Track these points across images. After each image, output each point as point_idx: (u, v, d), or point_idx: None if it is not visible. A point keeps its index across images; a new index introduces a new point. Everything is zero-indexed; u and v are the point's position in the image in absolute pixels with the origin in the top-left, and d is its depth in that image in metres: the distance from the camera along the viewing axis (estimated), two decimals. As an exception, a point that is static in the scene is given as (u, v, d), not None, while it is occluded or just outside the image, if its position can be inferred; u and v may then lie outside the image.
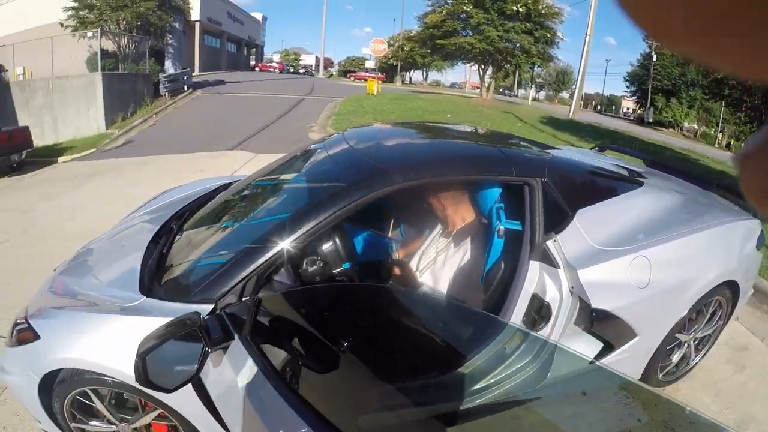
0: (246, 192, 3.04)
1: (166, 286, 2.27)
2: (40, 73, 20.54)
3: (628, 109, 64.05)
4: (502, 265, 2.47)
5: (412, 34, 39.35)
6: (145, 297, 2.16)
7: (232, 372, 1.70)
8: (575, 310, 2.35)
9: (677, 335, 2.86)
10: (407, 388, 2.09)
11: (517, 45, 26.54)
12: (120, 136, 16.63)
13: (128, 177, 9.79)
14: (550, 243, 2.36)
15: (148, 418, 2.25)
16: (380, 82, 30.52)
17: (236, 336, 1.72)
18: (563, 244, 2.36)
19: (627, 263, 2.43)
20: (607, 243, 2.47)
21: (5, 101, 19.19)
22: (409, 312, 2.40)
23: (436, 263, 2.71)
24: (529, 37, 26.11)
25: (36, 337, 2.19)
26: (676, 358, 3.03)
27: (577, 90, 25.48)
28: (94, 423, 2.33)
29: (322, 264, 2.48)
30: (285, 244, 2.04)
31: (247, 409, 1.63)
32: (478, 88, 28.62)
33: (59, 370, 2.19)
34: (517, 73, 42.64)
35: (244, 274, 2.01)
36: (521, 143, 3.28)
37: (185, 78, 23.82)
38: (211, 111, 19.48)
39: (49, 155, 14.79)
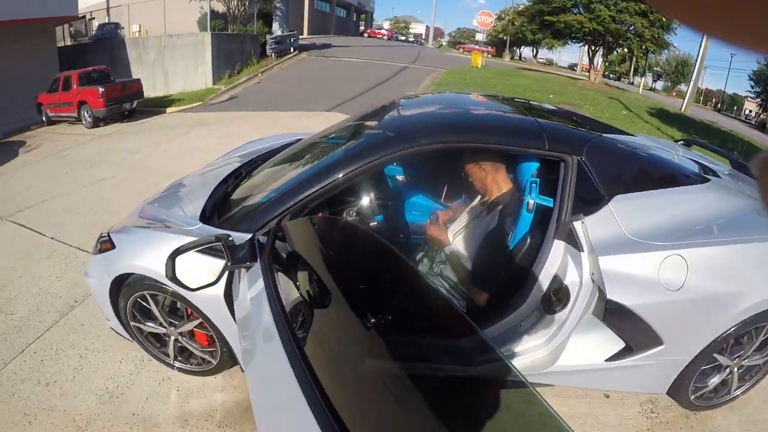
0: (306, 146, 3.28)
1: (221, 217, 2.65)
2: (154, 32, 21.87)
3: (750, 111, 56.98)
4: (528, 240, 2.47)
5: (521, 9, 37.23)
6: (202, 224, 2.57)
7: (248, 293, 1.88)
8: (594, 298, 2.26)
9: (716, 356, 2.50)
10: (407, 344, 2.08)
11: (630, 27, 23.90)
12: (225, 92, 17.45)
13: (228, 129, 10.36)
14: (577, 224, 2.28)
15: (190, 325, 2.73)
16: (488, 55, 29.45)
17: (258, 260, 1.92)
18: (592, 227, 2.27)
19: (659, 260, 2.21)
20: (641, 234, 2.27)
21: (121, 56, 20.62)
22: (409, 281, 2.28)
23: (468, 228, 2.76)
24: (643, 19, 23.09)
25: (113, 246, 2.73)
26: (713, 382, 2.62)
27: (692, 83, 22.54)
28: (149, 324, 2.83)
29: (356, 215, 2.86)
30: (314, 190, 2.33)
31: (248, 332, 1.83)
32: (589, 70, 26.62)
33: (128, 275, 2.69)
34: (633, 59, 39.85)
35: (279, 211, 2.34)
36: (576, 121, 3.18)
37: (291, 40, 24.25)
38: (314, 73, 19.79)
39: (158, 106, 16.03)
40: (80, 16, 23.05)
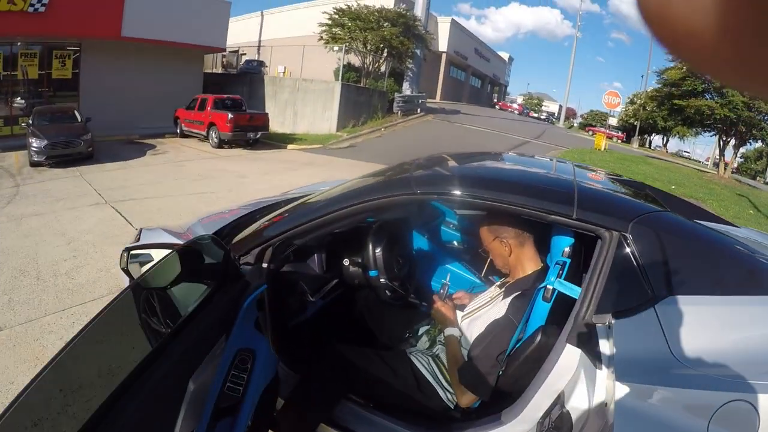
0: (334, 187, 3.15)
1: (226, 237, 2.50)
2: (293, 74, 23.44)
3: None
4: (538, 339, 1.83)
5: (651, 93, 35.07)
6: (210, 236, 2.42)
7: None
8: None
9: None
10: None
11: (766, 117, 21.54)
12: (346, 140, 18.34)
13: (333, 173, 10.91)
14: (601, 328, 1.60)
15: None
16: (618, 141, 28.02)
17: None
18: (622, 335, 1.55)
19: (715, 404, 1.40)
20: (696, 360, 1.51)
21: (258, 90, 22.29)
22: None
23: (479, 312, 2.20)
24: (782, 108, 20.61)
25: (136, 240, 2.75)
26: None
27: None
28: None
29: (357, 263, 2.59)
30: (298, 224, 2.12)
31: None
32: (727, 164, 24.22)
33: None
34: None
35: (262, 240, 2.15)
36: (646, 194, 2.44)
37: (419, 101, 25.19)
38: (434, 135, 20.34)
39: (282, 141, 17.22)
40: (234, 50, 25.40)
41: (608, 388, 1.50)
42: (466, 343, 2.15)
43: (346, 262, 2.63)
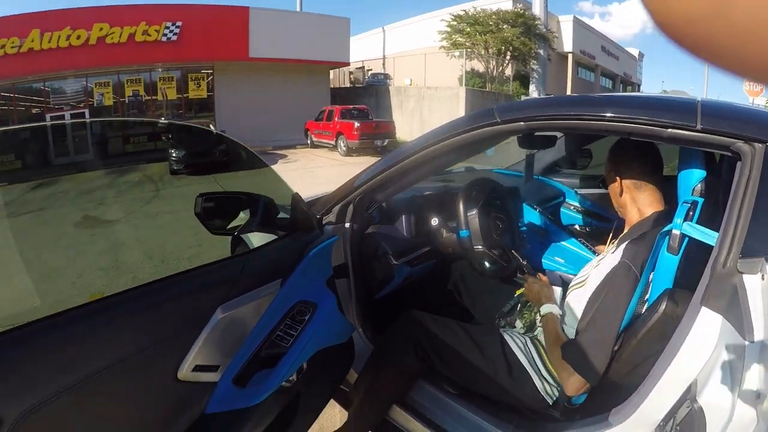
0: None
1: None
2: (417, 83, 23.72)
3: None
4: (662, 307, 1.34)
5: None
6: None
7: None
8: None
9: None
10: None
11: None
12: None
13: None
14: (750, 279, 1.09)
15: None
16: None
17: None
18: None
19: None
20: None
21: (384, 101, 22.69)
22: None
23: (586, 279, 1.68)
24: None
25: None
26: None
27: None
28: None
29: (442, 223, 2.35)
30: (378, 174, 1.89)
31: None
32: None
33: None
34: None
35: (338, 198, 1.98)
36: None
37: (549, 104, 24.18)
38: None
39: None
40: (359, 66, 26.41)
41: (764, 372, 1.06)
42: (571, 322, 1.65)
43: (435, 221, 2.37)
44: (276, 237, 1.65)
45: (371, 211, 2.09)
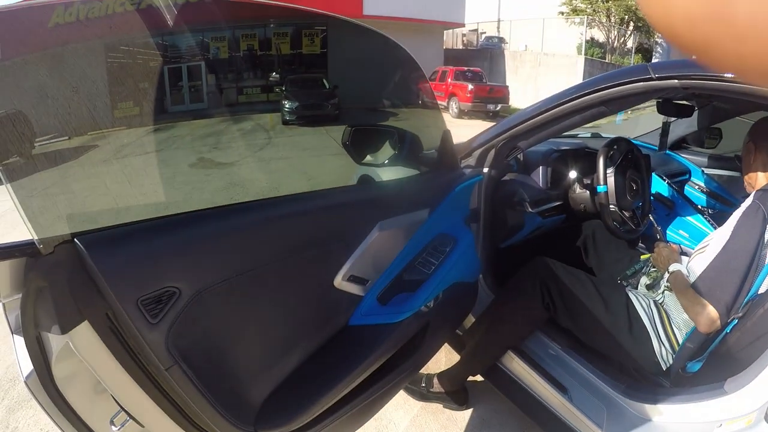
0: None
1: None
2: (533, 48, 22.81)
3: None
4: None
5: None
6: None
7: None
8: None
9: None
10: None
11: None
12: None
13: None
14: None
15: None
16: None
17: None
18: None
19: None
20: None
21: (499, 66, 22.04)
22: None
23: (709, 244, 1.74)
24: None
25: None
26: None
27: None
28: None
29: (586, 188, 2.34)
30: (523, 122, 1.90)
31: None
32: None
33: None
34: None
35: (480, 142, 2.03)
36: None
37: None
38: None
39: None
40: (473, 29, 25.63)
41: None
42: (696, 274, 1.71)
43: (572, 174, 2.41)
44: (418, 173, 1.69)
45: (510, 159, 2.15)
